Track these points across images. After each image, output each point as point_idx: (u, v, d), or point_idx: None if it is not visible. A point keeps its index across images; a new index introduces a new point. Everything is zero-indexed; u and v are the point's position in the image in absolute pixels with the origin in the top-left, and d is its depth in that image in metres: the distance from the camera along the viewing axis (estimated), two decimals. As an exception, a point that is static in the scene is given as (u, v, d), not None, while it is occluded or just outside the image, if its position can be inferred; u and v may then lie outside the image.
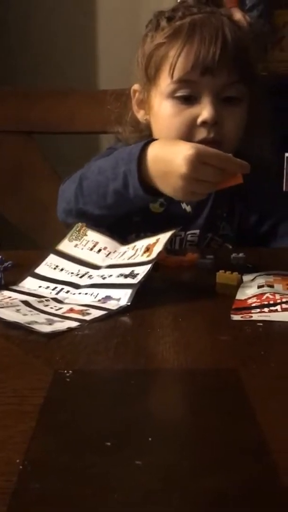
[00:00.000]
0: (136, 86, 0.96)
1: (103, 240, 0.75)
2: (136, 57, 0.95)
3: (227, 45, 0.86)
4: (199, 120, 0.87)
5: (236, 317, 0.57)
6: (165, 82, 0.90)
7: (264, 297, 0.62)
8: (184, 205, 0.98)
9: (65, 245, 0.75)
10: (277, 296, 0.61)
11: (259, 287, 0.65)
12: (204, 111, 0.87)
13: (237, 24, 0.91)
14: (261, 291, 0.63)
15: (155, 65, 0.91)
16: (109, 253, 0.73)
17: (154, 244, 0.67)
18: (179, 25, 0.89)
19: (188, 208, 0.98)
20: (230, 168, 0.72)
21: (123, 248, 0.73)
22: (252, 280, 0.69)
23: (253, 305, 0.60)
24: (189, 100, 0.88)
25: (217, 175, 0.72)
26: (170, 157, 0.75)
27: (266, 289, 0.64)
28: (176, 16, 0.91)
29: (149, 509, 0.28)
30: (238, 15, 1.54)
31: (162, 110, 0.91)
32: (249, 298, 0.63)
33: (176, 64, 0.87)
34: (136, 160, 0.80)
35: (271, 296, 0.61)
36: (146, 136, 0.94)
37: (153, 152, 0.80)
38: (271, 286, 0.65)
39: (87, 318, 0.55)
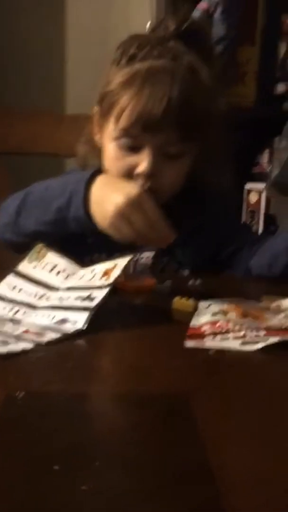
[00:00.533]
0: (96, 108, 0.98)
1: (62, 263, 0.76)
2: (99, 82, 0.96)
3: (172, 105, 0.87)
4: (136, 171, 0.90)
5: (189, 344, 0.58)
6: (112, 126, 0.92)
7: (217, 324, 0.63)
8: None
9: (24, 266, 0.75)
10: (230, 324, 0.63)
11: (213, 314, 0.67)
12: (142, 164, 0.89)
13: (194, 77, 0.91)
14: (215, 319, 0.65)
15: (107, 105, 0.93)
16: (68, 276, 0.73)
17: (112, 268, 0.68)
18: (135, 72, 0.90)
19: None
20: (153, 232, 0.76)
21: (82, 271, 0.73)
22: (207, 307, 0.71)
23: (207, 332, 0.62)
24: (132, 149, 0.90)
25: (144, 226, 0.76)
26: (115, 187, 0.80)
27: (220, 316, 0.65)
28: (138, 57, 0.92)
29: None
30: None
31: (107, 151, 0.94)
32: (203, 325, 0.64)
33: (122, 115, 0.89)
34: (85, 181, 0.82)
35: (224, 324, 0.63)
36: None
37: (103, 179, 0.83)
38: (225, 314, 0.66)
39: (43, 340, 0.56)
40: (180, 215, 0.89)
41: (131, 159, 0.91)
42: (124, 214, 0.76)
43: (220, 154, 0.98)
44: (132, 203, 0.76)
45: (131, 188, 0.78)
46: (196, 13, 1.61)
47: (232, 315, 0.66)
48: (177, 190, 0.93)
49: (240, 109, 1.71)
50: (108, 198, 0.79)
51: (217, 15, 1.62)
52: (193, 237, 1.02)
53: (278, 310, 0.71)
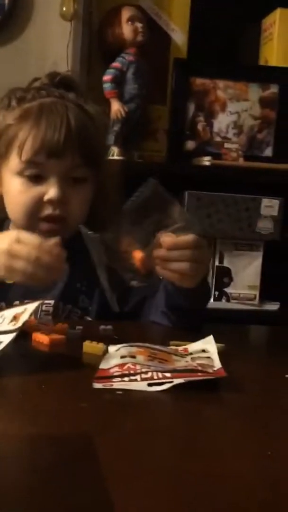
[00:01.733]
0: None
1: None
2: None
3: (71, 131, 0.93)
4: (45, 198, 0.93)
5: (97, 385, 0.59)
6: (14, 161, 0.95)
7: (126, 367, 0.64)
8: None
9: None
10: (138, 367, 0.64)
11: (122, 357, 0.68)
12: (50, 190, 0.93)
13: (82, 110, 0.98)
14: (123, 361, 0.66)
15: (5, 144, 0.96)
16: (-24, 321, 0.72)
17: (22, 313, 0.68)
18: (28, 108, 0.95)
19: None
20: (40, 267, 0.79)
21: (-9, 316, 0.73)
22: (117, 350, 0.72)
23: (115, 374, 0.62)
24: (37, 178, 0.94)
25: (30, 259, 0.79)
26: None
27: (128, 359, 0.67)
28: (26, 98, 0.97)
29: None
30: (115, 105, 1.66)
31: (12, 187, 0.97)
32: (112, 367, 0.65)
33: (24, 146, 0.93)
34: None
35: (132, 366, 0.64)
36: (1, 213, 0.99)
37: None
38: (133, 357, 0.68)
39: None
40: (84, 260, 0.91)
41: (38, 189, 0.94)
42: (9, 253, 0.79)
43: (114, 197, 1.02)
44: (13, 240, 0.80)
45: (11, 233, 0.83)
46: (110, 72, 1.68)
47: (140, 358, 0.68)
48: (83, 220, 0.95)
49: (152, 163, 1.78)
50: None
51: (129, 74, 1.70)
52: (96, 281, 1.03)
53: (185, 353, 0.74)
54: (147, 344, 0.74)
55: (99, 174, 1.00)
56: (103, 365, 0.66)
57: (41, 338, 0.75)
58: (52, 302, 0.98)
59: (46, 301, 0.98)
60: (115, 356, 0.69)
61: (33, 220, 0.96)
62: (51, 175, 0.94)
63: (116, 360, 0.67)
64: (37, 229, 0.94)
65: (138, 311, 1.03)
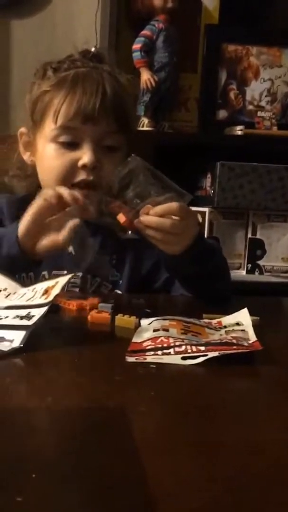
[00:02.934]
0: (23, 129, 1.02)
1: (3, 281, 0.75)
2: (24, 102, 1.01)
3: (106, 97, 0.94)
4: (80, 163, 0.94)
5: (130, 359, 0.58)
6: (49, 127, 0.96)
7: (159, 340, 0.63)
8: None
9: None
10: (171, 340, 0.63)
11: (154, 330, 0.67)
12: (85, 156, 0.93)
13: (116, 80, 0.99)
14: (156, 335, 0.65)
15: (40, 111, 0.97)
16: (9, 294, 0.72)
17: (53, 286, 0.67)
18: (64, 76, 0.96)
19: (70, 249, 1.01)
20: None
21: (23, 289, 0.72)
22: (149, 324, 0.71)
23: (148, 347, 0.62)
24: (71, 145, 0.95)
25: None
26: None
27: (161, 333, 0.66)
28: (62, 68, 0.98)
29: None
30: (145, 74, 1.63)
31: (46, 153, 0.97)
32: (145, 341, 0.64)
33: (59, 111, 0.94)
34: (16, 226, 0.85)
35: (165, 340, 0.63)
36: (33, 184, 1.01)
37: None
38: (166, 330, 0.67)
39: (-21, 357, 0.54)
40: (114, 234, 0.90)
41: (72, 154, 0.94)
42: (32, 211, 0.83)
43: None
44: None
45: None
46: (140, 40, 1.65)
47: (173, 331, 0.67)
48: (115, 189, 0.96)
49: (183, 133, 1.75)
50: None
51: (159, 42, 1.66)
52: (127, 255, 1.03)
53: (219, 327, 0.73)
54: (180, 318, 0.73)
55: (130, 144, 1.00)
56: (135, 339, 0.65)
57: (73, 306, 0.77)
58: (80, 274, 0.98)
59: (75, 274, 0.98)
60: (148, 329, 0.68)
61: (66, 185, 0.94)
62: (85, 141, 0.94)
63: (149, 334, 0.66)
64: None
65: (169, 287, 1.02)
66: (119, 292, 1.00)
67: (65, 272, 0.96)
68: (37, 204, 0.83)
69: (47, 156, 0.97)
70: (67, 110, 0.93)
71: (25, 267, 0.91)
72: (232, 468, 0.36)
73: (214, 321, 0.75)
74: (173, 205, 0.82)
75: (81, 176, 0.94)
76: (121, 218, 0.83)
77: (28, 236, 0.84)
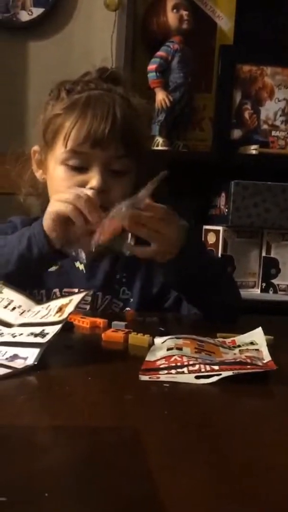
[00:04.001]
0: (36, 147, 1.03)
1: (18, 299, 0.75)
2: (38, 121, 1.02)
3: (116, 122, 0.94)
4: (88, 186, 0.94)
5: (144, 378, 0.58)
6: (59, 149, 0.97)
7: (172, 359, 0.63)
8: (77, 264, 1.01)
9: (-21, 303, 0.74)
10: (185, 359, 0.63)
11: (168, 349, 0.67)
12: (93, 180, 0.94)
13: (128, 104, 1.00)
14: (170, 353, 0.65)
15: (52, 132, 0.98)
16: (23, 312, 0.72)
17: (67, 304, 0.67)
18: (76, 99, 0.97)
19: (81, 267, 1.01)
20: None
21: (38, 307, 0.73)
22: (163, 342, 0.71)
23: (161, 366, 0.62)
24: (80, 169, 0.95)
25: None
26: None
27: (175, 351, 0.66)
28: (75, 90, 0.99)
29: None
30: (160, 94, 1.65)
31: (56, 175, 0.98)
32: (158, 359, 0.64)
33: (69, 135, 0.95)
34: (41, 224, 0.88)
35: (179, 358, 0.63)
36: (44, 203, 1.01)
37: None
38: (180, 349, 0.67)
39: (-8, 375, 0.54)
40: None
41: (80, 177, 0.95)
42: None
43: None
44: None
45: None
46: (155, 61, 1.67)
47: (187, 350, 0.66)
48: None
49: (198, 153, 1.75)
50: None
51: (174, 63, 1.67)
52: (138, 273, 1.03)
53: (233, 346, 0.72)
54: (193, 336, 0.72)
55: (140, 167, 1.00)
56: (149, 357, 0.65)
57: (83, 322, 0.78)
58: (91, 291, 0.98)
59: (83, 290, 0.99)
60: (162, 348, 0.68)
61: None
62: (94, 165, 0.94)
63: (163, 352, 0.66)
64: None
65: (178, 306, 1.02)
66: (130, 310, 1.00)
67: (76, 290, 0.96)
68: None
69: (57, 178, 0.98)
70: (77, 135, 0.94)
71: (53, 262, 0.94)
72: (247, 489, 0.36)
73: (228, 340, 0.75)
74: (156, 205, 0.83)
75: None
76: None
77: (54, 232, 0.87)
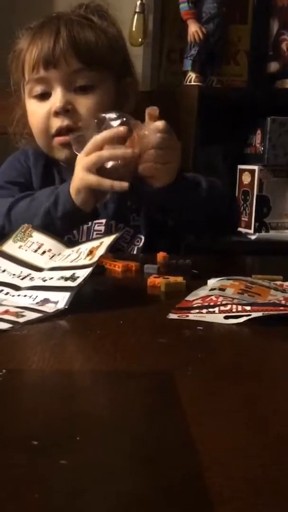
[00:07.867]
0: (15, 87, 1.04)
1: (48, 242, 0.74)
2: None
3: (60, 38, 0.93)
4: (52, 111, 0.94)
5: (172, 316, 0.57)
6: (25, 84, 0.99)
7: (208, 298, 0.62)
8: None
9: (9, 246, 0.73)
10: (220, 299, 0.61)
11: (211, 289, 0.65)
12: (53, 102, 0.94)
13: (91, 25, 0.97)
14: (210, 293, 0.63)
15: (21, 70, 1.00)
16: (53, 256, 0.71)
17: (98, 247, 0.66)
18: (31, 28, 0.99)
19: None
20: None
21: (68, 250, 0.72)
22: (213, 283, 0.68)
23: (195, 305, 0.60)
24: (44, 96, 0.96)
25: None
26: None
27: (216, 292, 0.63)
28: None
29: (70, 510, 0.27)
30: (193, 27, 1.57)
31: (28, 110, 1.00)
32: (196, 299, 0.62)
33: (26, 67, 0.96)
34: (69, 185, 0.87)
35: (214, 298, 0.61)
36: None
37: None
38: (223, 290, 0.64)
39: (21, 320, 0.54)
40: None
41: (45, 105, 0.96)
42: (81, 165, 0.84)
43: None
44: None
45: None
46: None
47: (229, 291, 0.64)
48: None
49: (232, 88, 1.68)
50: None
51: (207, -7, 1.59)
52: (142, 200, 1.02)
53: (284, 289, 0.69)
54: (247, 278, 0.70)
55: (113, 80, 0.99)
56: (189, 297, 0.64)
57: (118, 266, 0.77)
58: (103, 221, 0.97)
59: (98, 221, 0.99)
60: (206, 288, 0.66)
61: (48, 138, 0.98)
62: (55, 87, 0.95)
63: (204, 292, 0.64)
64: (53, 147, 0.97)
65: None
66: (141, 236, 1.01)
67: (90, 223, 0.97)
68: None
69: (29, 113, 0.99)
70: (30, 61, 0.95)
71: (82, 221, 0.93)
72: (283, 436, 0.35)
73: (286, 283, 0.71)
74: (159, 123, 0.82)
75: (57, 123, 0.95)
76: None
77: (80, 193, 0.85)
